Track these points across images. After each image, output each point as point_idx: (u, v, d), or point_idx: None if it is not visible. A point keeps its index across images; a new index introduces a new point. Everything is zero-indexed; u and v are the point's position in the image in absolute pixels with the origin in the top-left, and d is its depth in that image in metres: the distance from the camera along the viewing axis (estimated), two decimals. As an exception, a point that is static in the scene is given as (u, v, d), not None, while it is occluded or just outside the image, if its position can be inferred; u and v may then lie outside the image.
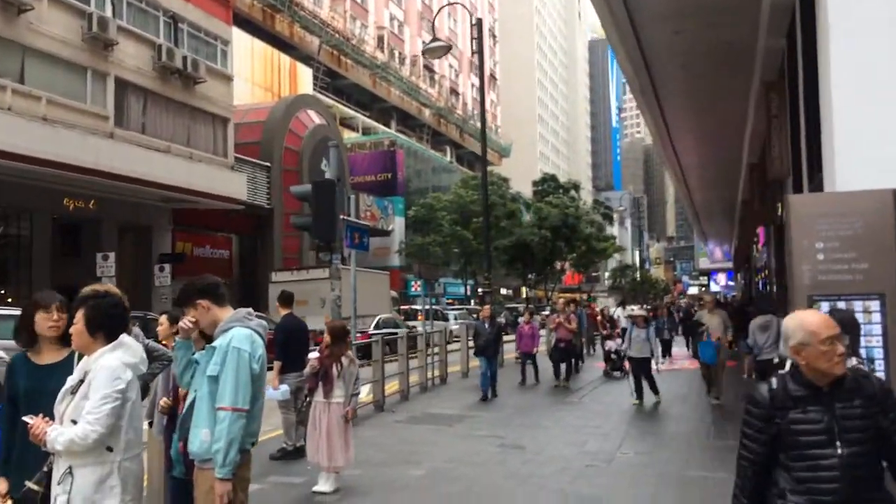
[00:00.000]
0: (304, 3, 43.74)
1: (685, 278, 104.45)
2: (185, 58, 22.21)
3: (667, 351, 19.01)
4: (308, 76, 42.41)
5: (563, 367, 14.33)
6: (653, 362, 12.31)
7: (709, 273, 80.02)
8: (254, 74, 38.62)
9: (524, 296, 64.29)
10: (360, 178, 43.05)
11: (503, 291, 65.47)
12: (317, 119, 33.82)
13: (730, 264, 70.91)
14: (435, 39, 15.40)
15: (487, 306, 14.26)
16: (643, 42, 12.10)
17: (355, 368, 6.30)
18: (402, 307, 32.69)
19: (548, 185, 49.15)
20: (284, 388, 7.12)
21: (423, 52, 15.85)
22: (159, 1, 21.96)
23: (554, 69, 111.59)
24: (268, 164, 29.57)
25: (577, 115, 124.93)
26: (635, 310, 15.27)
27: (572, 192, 48.64)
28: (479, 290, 50.18)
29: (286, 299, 7.61)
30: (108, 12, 19.94)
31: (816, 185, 8.94)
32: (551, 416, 10.68)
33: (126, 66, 20.75)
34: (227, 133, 24.82)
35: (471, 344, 14.79)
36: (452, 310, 34.04)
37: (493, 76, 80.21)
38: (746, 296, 18.79)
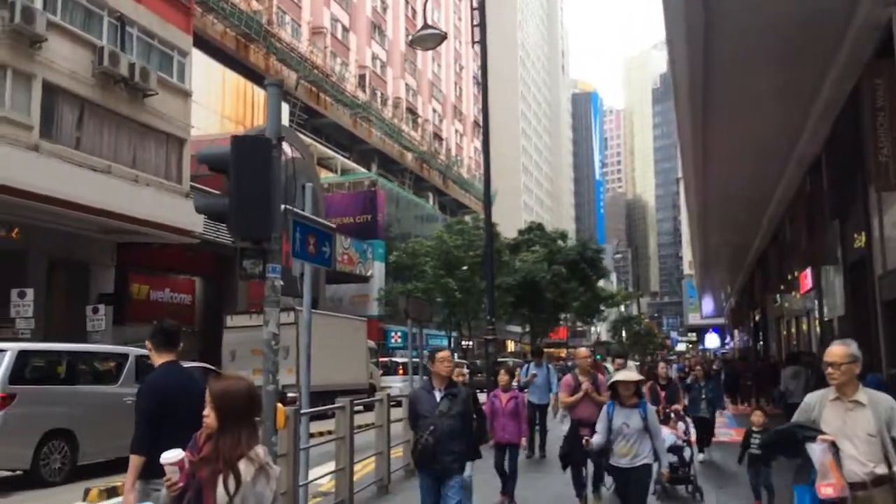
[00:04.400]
0: (281, 36, 41.07)
1: (673, 334, 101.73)
2: (132, 65, 19.04)
3: (706, 438, 11.66)
4: (284, 112, 39.51)
5: (587, 471, 7.92)
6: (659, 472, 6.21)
7: (699, 329, 77.42)
8: (224, 107, 35.77)
9: (510, 349, 60.82)
10: (337, 219, 39.89)
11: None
12: (290, 152, 30.68)
13: (721, 320, 68.32)
14: (426, 26, 12.36)
15: (444, 353, 5.70)
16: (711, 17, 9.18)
17: (267, 485, 2.84)
18: (381, 359, 29.23)
19: (534, 234, 46.35)
20: (148, 509, 3.70)
21: (411, 43, 12.83)
22: (104, -2, 18.90)
23: (538, 120, 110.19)
24: (232, 197, 26.28)
25: (561, 168, 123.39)
26: (621, 374, 6.37)
27: (559, 242, 45.80)
28: (463, 342, 46.81)
29: (165, 336, 4.22)
30: (37, 3, 16.80)
31: None
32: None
33: (58, 69, 17.52)
34: (182, 156, 21.52)
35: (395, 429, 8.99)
36: (436, 364, 30.47)
37: (477, 123, 78.13)
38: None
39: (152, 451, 3.66)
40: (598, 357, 22.95)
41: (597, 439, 5.93)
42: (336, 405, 7.59)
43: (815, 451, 3.92)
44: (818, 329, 16.99)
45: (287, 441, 5.83)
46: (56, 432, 10.13)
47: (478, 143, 78.08)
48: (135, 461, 3.93)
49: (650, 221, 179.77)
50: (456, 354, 40.48)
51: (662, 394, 9.08)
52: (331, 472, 7.58)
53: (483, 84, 13.35)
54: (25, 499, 9.28)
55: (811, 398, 4.26)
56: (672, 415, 9.06)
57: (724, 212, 21.10)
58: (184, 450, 2.89)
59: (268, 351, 5.07)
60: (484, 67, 12.77)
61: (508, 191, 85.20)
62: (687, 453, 8.47)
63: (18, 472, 9.98)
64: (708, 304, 64.97)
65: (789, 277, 21.07)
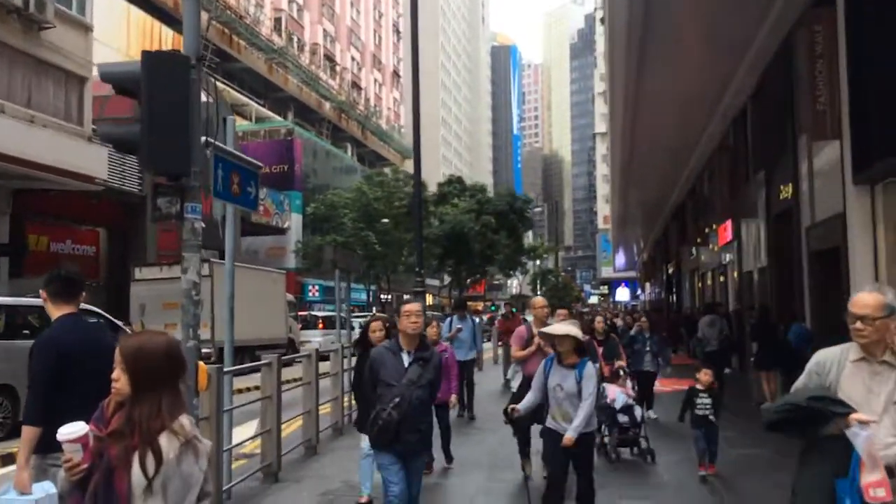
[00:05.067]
0: (190, -28, 38.76)
1: (587, 287, 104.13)
2: (26, -6, 17.40)
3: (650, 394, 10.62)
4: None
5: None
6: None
7: (611, 282, 79.48)
8: (129, 46, 33.57)
9: (429, 302, 60.70)
10: (252, 169, 38.47)
11: (406, 298, 61.03)
12: (202, 95, 29.11)
13: (633, 273, 70.24)
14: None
15: (411, 305, 4.79)
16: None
17: (195, 463, 2.29)
18: (301, 313, 28.52)
19: (454, 187, 46.14)
20: (46, 488, 3.09)
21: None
22: (-10, -83, 17.07)
23: (458, 72, 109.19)
24: (139, 142, 24.74)
25: (479, 122, 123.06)
26: (554, 326, 5.63)
27: (478, 196, 45.83)
28: (382, 296, 46.39)
29: (63, 284, 3.56)
30: (-88, -82, 15.04)
31: None
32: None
33: (-60, -4, 15.83)
34: (82, 95, 19.97)
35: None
36: (357, 317, 30.00)
37: (396, 73, 76.67)
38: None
39: (51, 421, 3.05)
40: (515, 311, 22.89)
41: (528, 400, 5.26)
42: (262, 362, 7.02)
43: (860, 437, 2.88)
44: (736, 280, 17.33)
45: (209, 403, 5.26)
46: None
47: (397, 94, 76.71)
48: (28, 433, 3.30)
49: (566, 177, 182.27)
50: (374, 308, 40.05)
51: (600, 350, 8.29)
52: (257, 435, 7.04)
53: (413, 25, 12.68)
54: None
55: (824, 357, 3.23)
56: (621, 372, 8.50)
57: (646, 163, 21.24)
58: (87, 422, 2.32)
59: (187, 302, 4.45)
60: (414, 8, 12.08)
61: (428, 144, 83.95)
62: (638, 413, 7.89)
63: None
64: (621, 258, 66.61)
65: (706, 230, 21.45)
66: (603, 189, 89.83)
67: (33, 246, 23.05)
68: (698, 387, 7.20)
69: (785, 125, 12.01)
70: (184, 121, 4.19)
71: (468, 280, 32.63)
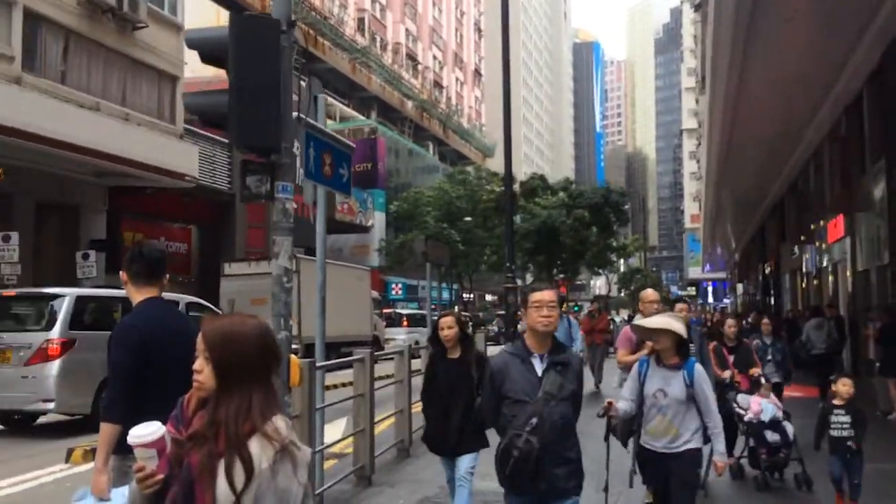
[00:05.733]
0: (277, -26, 39.39)
1: (673, 288, 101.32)
2: (120, -6, 17.84)
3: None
4: (280, 54, 38.06)
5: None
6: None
7: (699, 283, 76.96)
8: (219, 48, 34.33)
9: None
10: (336, 167, 38.80)
11: (488, 297, 60.95)
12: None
13: (723, 274, 67.73)
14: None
15: (542, 293, 3.51)
16: None
17: (294, 475, 1.80)
18: (385, 311, 28.47)
19: (538, 184, 45.51)
20: (119, 496, 2.71)
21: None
22: (87, -80, 17.53)
23: (539, 69, 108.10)
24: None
25: (562, 119, 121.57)
26: (652, 318, 4.63)
27: (561, 194, 44.99)
28: (464, 295, 46.04)
29: (146, 265, 3.20)
30: (16, -78, 15.52)
31: None
32: None
33: (40, -3, 16.32)
34: (175, 94, 20.36)
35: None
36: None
37: (478, 72, 76.38)
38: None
39: (132, 418, 2.70)
40: (601, 309, 22.06)
41: (622, 406, 4.30)
42: (355, 357, 6.68)
43: None
44: (849, 280, 16.11)
45: (301, 400, 4.92)
46: None
47: (478, 93, 76.41)
48: (107, 431, 2.97)
49: (650, 175, 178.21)
50: (457, 307, 39.81)
51: (730, 358, 7.31)
52: (349, 435, 6.70)
53: (503, 26, 12.23)
54: (14, 456, 8.43)
55: None
56: (763, 380, 7.21)
57: (744, 156, 20.06)
58: (165, 422, 1.94)
59: (279, 290, 4.10)
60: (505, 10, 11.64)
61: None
62: (790, 430, 6.65)
63: (78, 417, 9.84)
64: (712, 258, 64.32)
65: (812, 227, 20.10)
66: (690, 187, 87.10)
67: (129, 242, 23.72)
68: (835, 402, 5.84)
69: (912, 108, 10.97)
70: (275, 90, 3.82)
71: (560, 276, 31.71)
